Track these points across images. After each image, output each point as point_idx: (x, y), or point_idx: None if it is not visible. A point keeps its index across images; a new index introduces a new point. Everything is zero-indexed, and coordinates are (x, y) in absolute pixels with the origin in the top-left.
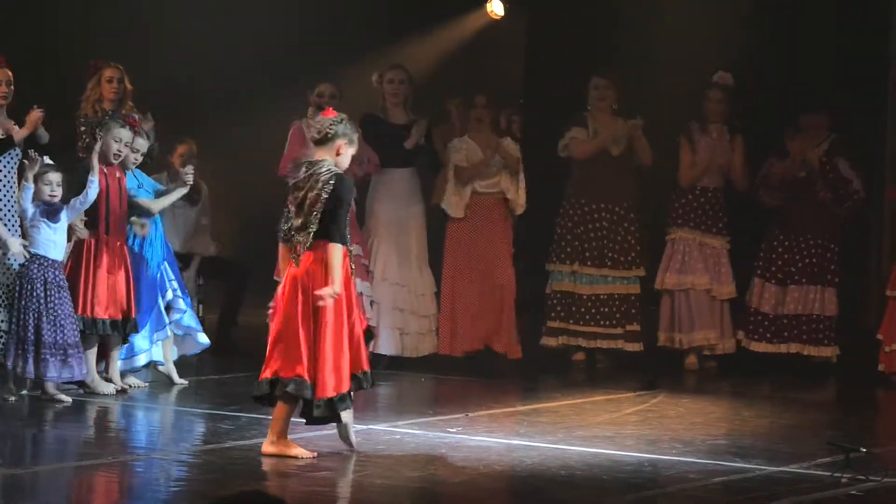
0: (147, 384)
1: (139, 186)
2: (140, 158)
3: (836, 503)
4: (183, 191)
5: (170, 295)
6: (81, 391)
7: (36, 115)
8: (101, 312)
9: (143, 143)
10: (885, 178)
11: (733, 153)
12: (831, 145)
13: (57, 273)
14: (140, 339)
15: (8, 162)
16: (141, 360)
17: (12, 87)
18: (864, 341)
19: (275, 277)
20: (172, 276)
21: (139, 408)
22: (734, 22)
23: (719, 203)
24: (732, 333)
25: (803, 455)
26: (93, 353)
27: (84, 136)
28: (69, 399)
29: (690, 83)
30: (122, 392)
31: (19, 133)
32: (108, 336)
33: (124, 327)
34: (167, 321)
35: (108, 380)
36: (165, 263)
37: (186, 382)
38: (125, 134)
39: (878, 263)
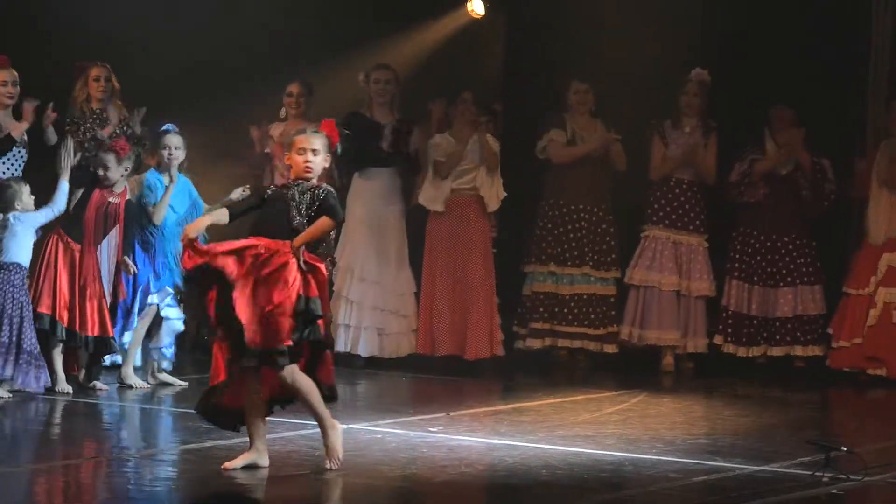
0: (71, 390)
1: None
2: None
3: (817, 502)
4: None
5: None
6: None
7: (28, 107)
8: (44, 308)
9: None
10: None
11: (707, 151)
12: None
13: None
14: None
15: (13, 163)
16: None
17: (18, 87)
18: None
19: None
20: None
21: (117, 407)
22: (711, 21)
23: (695, 197)
24: (705, 333)
25: (784, 454)
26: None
27: (69, 137)
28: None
29: (666, 85)
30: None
31: (17, 127)
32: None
33: (93, 343)
34: (135, 322)
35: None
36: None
37: (186, 384)
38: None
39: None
